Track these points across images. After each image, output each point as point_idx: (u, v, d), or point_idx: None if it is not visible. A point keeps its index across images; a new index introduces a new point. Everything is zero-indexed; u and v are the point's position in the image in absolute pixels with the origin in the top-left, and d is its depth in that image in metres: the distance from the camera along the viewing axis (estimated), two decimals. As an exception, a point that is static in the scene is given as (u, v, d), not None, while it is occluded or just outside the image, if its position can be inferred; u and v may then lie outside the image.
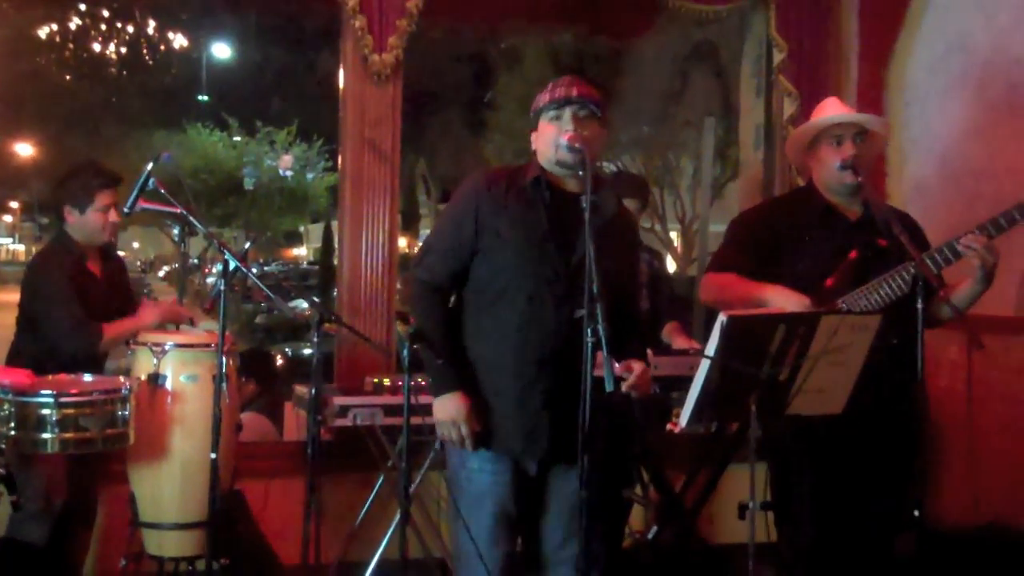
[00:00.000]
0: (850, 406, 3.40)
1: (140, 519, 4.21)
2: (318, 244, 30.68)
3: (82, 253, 4.44)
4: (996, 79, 5.42)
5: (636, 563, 4.90)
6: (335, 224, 8.17)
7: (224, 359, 3.90)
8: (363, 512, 5.10)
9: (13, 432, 3.72)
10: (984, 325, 3.76)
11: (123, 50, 19.22)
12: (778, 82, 5.89)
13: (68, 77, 20.11)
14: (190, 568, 4.31)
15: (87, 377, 4.08)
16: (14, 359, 4.33)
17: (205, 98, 27.66)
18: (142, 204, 4.00)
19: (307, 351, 12.08)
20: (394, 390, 4.76)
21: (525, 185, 3.33)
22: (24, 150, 27.30)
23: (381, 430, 4.79)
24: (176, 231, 4.58)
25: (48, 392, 3.75)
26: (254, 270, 4.08)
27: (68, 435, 3.76)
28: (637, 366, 3.18)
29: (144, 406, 4.02)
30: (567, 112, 3.30)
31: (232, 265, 3.87)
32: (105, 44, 18.88)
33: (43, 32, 17.93)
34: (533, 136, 3.43)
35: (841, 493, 3.79)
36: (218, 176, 27.04)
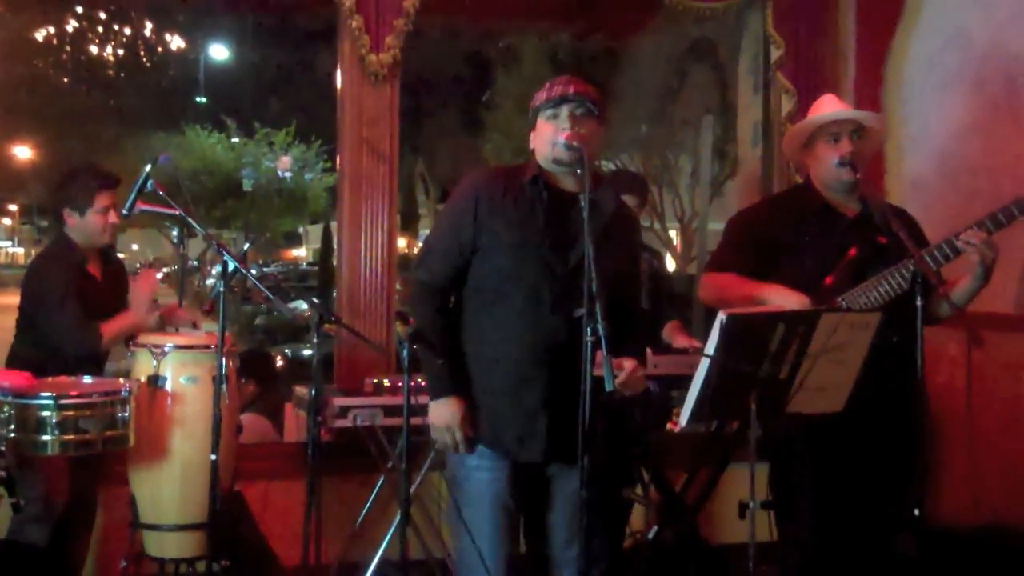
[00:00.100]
0: (850, 404, 3.40)
1: (140, 520, 4.22)
2: (317, 245, 30.68)
3: (82, 255, 4.44)
4: (994, 75, 5.41)
5: (637, 563, 4.89)
6: (334, 225, 8.16)
7: (224, 360, 3.91)
8: (363, 513, 5.09)
9: (13, 434, 3.73)
10: (983, 322, 3.76)
11: (120, 52, 19.21)
12: (776, 79, 5.89)
13: (65, 79, 20.10)
14: (190, 569, 4.31)
15: (87, 379, 4.08)
16: (14, 361, 4.34)
17: (203, 100, 27.65)
18: (141, 206, 4.01)
19: (307, 352, 12.08)
20: (394, 391, 4.75)
21: (523, 185, 3.33)
22: (22, 153, 27.29)
23: (381, 431, 4.79)
24: (175, 233, 4.58)
25: (48, 394, 3.75)
26: (253, 271, 4.08)
27: (68, 437, 3.77)
28: (628, 364, 3.17)
29: (144, 408, 4.02)
30: (564, 110, 3.30)
31: (231, 266, 3.87)
32: (102, 46, 18.86)
33: (40, 35, 17.90)
34: (531, 135, 3.43)
35: (841, 491, 3.79)
36: (217, 178, 27.03)
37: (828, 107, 3.97)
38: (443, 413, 3.32)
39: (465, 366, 3.38)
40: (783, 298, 3.65)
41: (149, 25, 19.07)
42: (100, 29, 18.61)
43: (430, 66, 20.27)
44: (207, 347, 4.16)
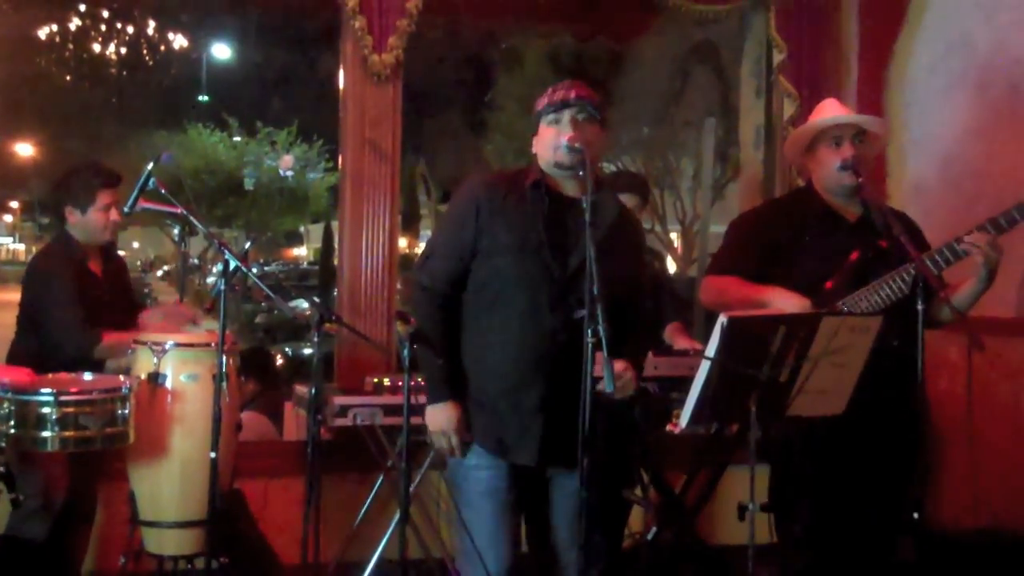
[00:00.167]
0: (850, 407, 3.41)
1: (139, 517, 4.21)
2: (318, 244, 30.68)
3: (84, 253, 4.45)
4: (996, 79, 5.42)
5: (636, 564, 4.89)
6: (335, 224, 8.16)
7: (224, 358, 3.91)
8: (362, 512, 5.09)
9: (13, 430, 3.72)
10: (984, 327, 3.76)
11: (123, 50, 19.22)
12: (778, 83, 5.89)
13: (68, 77, 20.12)
14: (189, 566, 4.31)
15: (87, 376, 4.08)
16: (14, 358, 4.34)
17: (205, 98, 27.68)
18: (143, 204, 4.01)
19: (307, 351, 12.09)
20: (394, 390, 4.76)
21: (524, 189, 3.33)
22: (24, 150, 27.32)
23: (381, 430, 4.79)
24: (176, 231, 4.58)
25: (48, 391, 3.75)
26: (254, 270, 4.08)
27: (68, 433, 3.76)
28: (618, 365, 3.16)
29: (144, 405, 4.02)
30: (566, 115, 3.30)
31: (232, 265, 3.87)
32: (105, 45, 18.88)
33: (43, 33, 17.92)
34: (534, 141, 3.43)
35: (841, 494, 3.79)
36: (218, 176, 27.05)
37: (830, 111, 3.98)
38: (440, 418, 3.33)
39: (463, 370, 3.39)
40: (784, 301, 3.65)
41: (152, 24, 19.08)
42: (103, 27, 18.63)
43: (432, 67, 20.27)
44: (207, 345, 4.16)
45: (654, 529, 4.86)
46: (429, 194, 30.55)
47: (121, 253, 5.06)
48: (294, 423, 5.81)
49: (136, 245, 46.02)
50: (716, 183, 18.69)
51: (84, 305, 4.28)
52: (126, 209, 4.03)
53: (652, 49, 18.17)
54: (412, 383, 3.36)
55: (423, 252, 3.57)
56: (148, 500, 4.19)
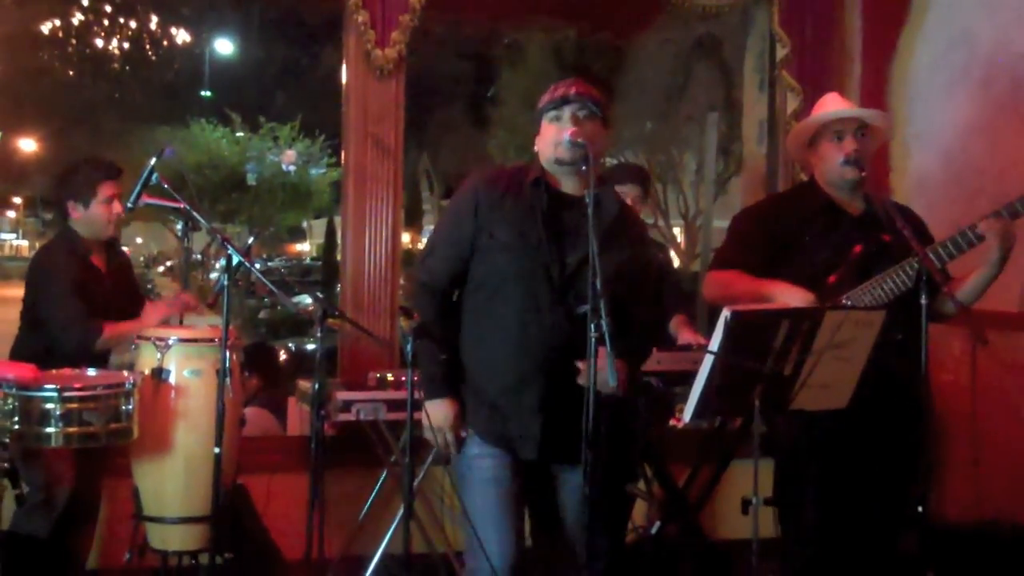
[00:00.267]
0: (854, 401, 3.40)
1: (143, 513, 4.22)
2: (321, 240, 30.68)
3: (87, 248, 4.46)
4: (999, 75, 5.41)
5: (639, 558, 4.90)
6: (338, 220, 8.17)
7: (228, 354, 3.92)
8: (366, 507, 5.10)
9: (17, 426, 3.73)
10: (988, 321, 3.76)
11: (126, 46, 19.18)
12: (781, 77, 5.89)
13: (71, 73, 20.08)
14: (193, 562, 4.32)
15: (91, 371, 4.09)
16: (18, 354, 4.35)
17: (208, 94, 27.61)
18: (145, 199, 4.02)
19: (310, 346, 12.09)
20: (397, 385, 4.76)
21: (524, 186, 3.33)
22: (27, 145, 27.29)
23: (384, 425, 4.80)
24: (179, 226, 4.59)
25: (52, 386, 3.75)
26: (257, 265, 4.08)
27: (72, 429, 3.77)
28: (604, 360, 3.16)
29: (148, 400, 4.03)
30: (567, 111, 3.30)
31: (235, 260, 3.88)
32: (108, 40, 18.84)
33: (46, 28, 17.89)
34: (536, 139, 3.43)
35: (845, 488, 3.79)
36: (221, 172, 26.98)
37: (832, 105, 3.97)
38: (436, 415, 3.33)
39: (463, 366, 3.40)
40: (788, 295, 3.65)
41: (155, 19, 19.06)
42: (106, 22, 18.60)
43: (435, 62, 20.25)
44: (211, 340, 4.16)
45: (658, 523, 4.87)
46: (432, 189, 30.56)
47: (124, 249, 5.07)
48: (297, 418, 5.82)
49: (139, 241, 45.94)
50: (719, 178, 18.68)
51: (87, 300, 4.28)
52: (129, 204, 4.04)
53: (655, 44, 18.16)
54: (415, 378, 3.36)
55: (424, 248, 3.58)
56: (152, 496, 4.20)
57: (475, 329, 3.38)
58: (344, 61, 5.53)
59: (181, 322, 4.60)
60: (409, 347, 3.30)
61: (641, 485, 4.86)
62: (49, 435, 3.76)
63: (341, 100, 5.58)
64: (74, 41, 18.66)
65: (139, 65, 19.98)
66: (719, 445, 4.94)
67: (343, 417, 4.68)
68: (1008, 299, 4.94)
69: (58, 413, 3.74)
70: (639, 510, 5.01)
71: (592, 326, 2.97)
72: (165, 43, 19.76)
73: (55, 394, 3.73)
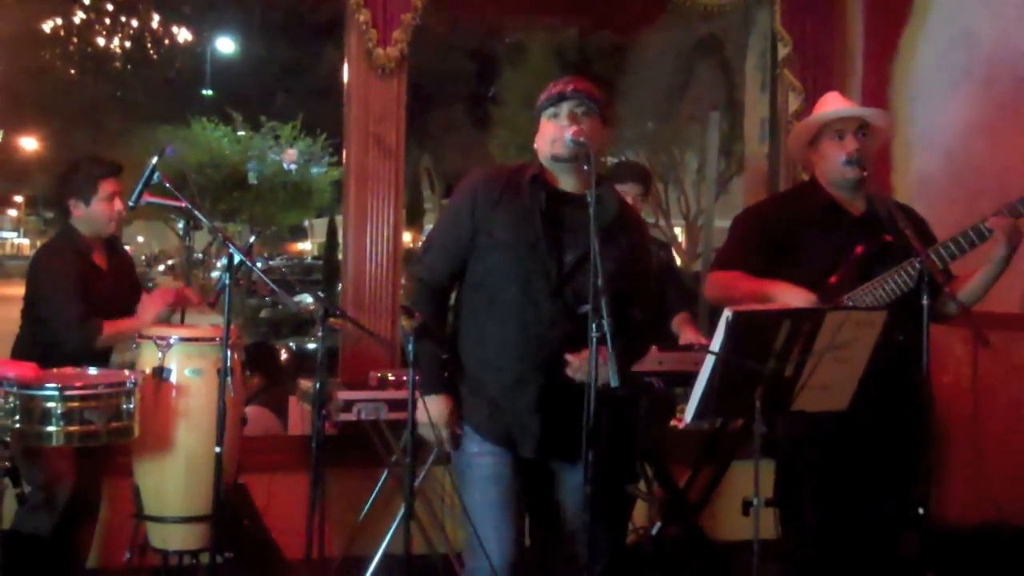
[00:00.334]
0: (855, 403, 3.40)
1: (144, 512, 4.22)
2: (322, 239, 30.69)
3: (88, 247, 4.45)
4: (1002, 74, 5.41)
5: (639, 559, 4.89)
6: (339, 219, 8.17)
7: (229, 353, 3.91)
8: (367, 507, 5.10)
9: (18, 425, 3.73)
10: (989, 322, 3.75)
11: (127, 44, 19.19)
12: (783, 77, 5.89)
13: (72, 71, 20.08)
14: (194, 561, 4.32)
15: (92, 370, 4.09)
16: (19, 352, 4.35)
17: (209, 93, 27.62)
18: (147, 198, 4.02)
19: (311, 345, 12.07)
20: (398, 385, 4.76)
21: (522, 184, 3.33)
22: (28, 144, 27.31)
23: (385, 424, 4.80)
24: (181, 225, 4.59)
25: (53, 385, 3.75)
26: (258, 264, 4.08)
27: (73, 428, 3.76)
28: (587, 353, 3.15)
29: (149, 399, 4.03)
30: (564, 108, 3.29)
31: (237, 259, 3.87)
32: (109, 38, 18.84)
33: (47, 26, 17.90)
34: (536, 137, 3.43)
35: (845, 490, 3.79)
36: (223, 170, 26.98)
37: (833, 104, 3.96)
38: (431, 409, 3.33)
39: (461, 364, 3.40)
40: (789, 295, 3.64)
41: (156, 17, 19.07)
42: (107, 21, 18.60)
43: (437, 61, 20.25)
44: (212, 340, 4.16)
45: (658, 524, 4.87)
46: (433, 188, 30.57)
47: (126, 247, 5.07)
48: (298, 418, 5.82)
49: (140, 239, 45.97)
50: (720, 177, 18.66)
51: (88, 299, 4.28)
52: (131, 203, 4.04)
53: (657, 43, 18.16)
54: (417, 378, 3.36)
55: (422, 245, 3.58)
56: (153, 495, 4.20)
57: (474, 327, 3.38)
58: (346, 60, 5.53)
59: (183, 320, 4.61)
60: (411, 346, 3.29)
61: (642, 486, 4.86)
62: (50, 434, 3.76)
63: (342, 99, 5.58)
64: (75, 40, 18.67)
65: (140, 64, 19.99)
66: (720, 446, 4.94)
67: (344, 417, 4.68)
68: (1009, 300, 4.94)
69: (59, 412, 3.73)
70: (640, 511, 5.01)
71: (593, 326, 2.96)
72: (166, 42, 19.76)
73: (56, 393, 3.73)
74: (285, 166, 26.81)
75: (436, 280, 3.42)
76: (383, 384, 4.83)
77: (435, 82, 21.88)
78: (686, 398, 3.34)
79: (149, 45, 19.47)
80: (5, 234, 56.61)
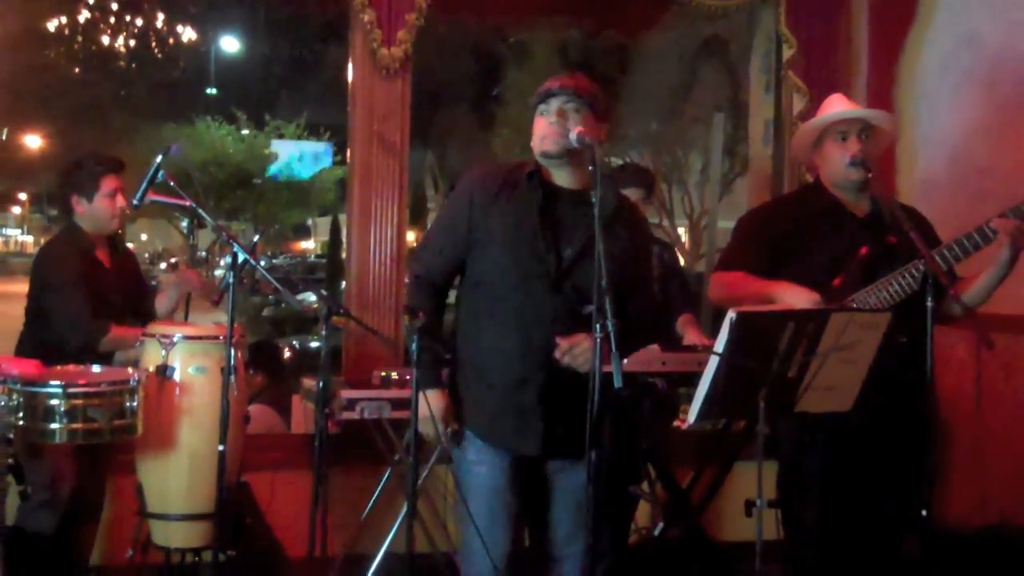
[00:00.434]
0: (858, 404, 3.40)
1: (147, 510, 4.22)
2: (326, 237, 30.70)
3: (91, 244, 4.46)
4: (1006, 76, 5.41)
5: (642, 559, 4.89)
6: (343, 217, 8.17)
7: (232, 351, 3.91)
8: (370, 505, 5.10)
9: (21, 422, 3.73)
10: (993, 324, 3.75)
11: (132, 43, 19.18)
12: (787, 78, 5.88)
13: (77, 70, 20.10)
14: (196, 559, 4.32)
15: (96, 368, 4.09)
16: (23, 350, 4.35)
17: (213, 91, 27.64)
18: (151, 196, 4.02)
19: (315, 344, 12.09)
20: (402, 384, 4.76)
21: (519, 181, 3.33)
22: (33, 142, 27.32)
23: (388, 423, 4.80)
24: (185, 224, 4.59)
25: (56, 382, 3.76)
26: (262, 263, 4.08)
27: (76, 425, 3.77)
28: (578, 337, 3.17)
29: (152, 397, 4.03)
30: (553, 104, 3.29)
31: (241, 258, 3.88)
32: (114, 37, 18.84)
33: (52, 25, 17.90)
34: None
35: (848, 491, 3.79)
36: (227, 169, 27.03)
37: (836, 106, 3.96)
38: (425, 405, 3.32)
39: (460, 363, 3.40)
40: (794, 296, 3.64)
41: (161, 16, 19.07)
42: (112, 20, 18.61)
43: (441, 61, 20.25)
44: (216, 338, 4.17)
45: (661, 525, 4.86)
46: (437, 188, 30.55)
47: (129, 245, 5.07)
48: (302, 416, 5.82)
49: (144, 237, 46.03)
50: (724, 178, 18.68)
51: (92, 296, 4.29)
52: (135, 201, 4.04)
53: (661, 44, 18.14)
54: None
55: (419, 242, 3.59)
56: (156, 493, 4.20)
57: (475, 325, 3.38)
58: (350, 59, 5.53)
59: (186, 318, 4.62)
60: (414, 345, 3.29)
61: (644, 486, 4.85)
62: (53, 431, 3.76)
63: (347, 99, 5.58)
64: (80, 38, 18.68)
65: (145, 62, 20.00)
66: (723, 447, 4.93)
67: (347, 415, 4.68)
68: (1014, 302, 4.93)
69: (63, 409, 3.74)
70: (642, 511, 5.01)
71: (598, 326, 2.96)
72: (171, 41, 19.77)
73: (60, 390, 3.73)
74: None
75: (432, 277, 3.43)
76: (386, 383, 4.83)
77: (439, 81, 21.88)
78: (689, 399, 3.35)
79: (154, 44, 19.48)
80: (9, 231, 56.69)
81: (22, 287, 4.77)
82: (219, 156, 26.88)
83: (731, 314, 3.12)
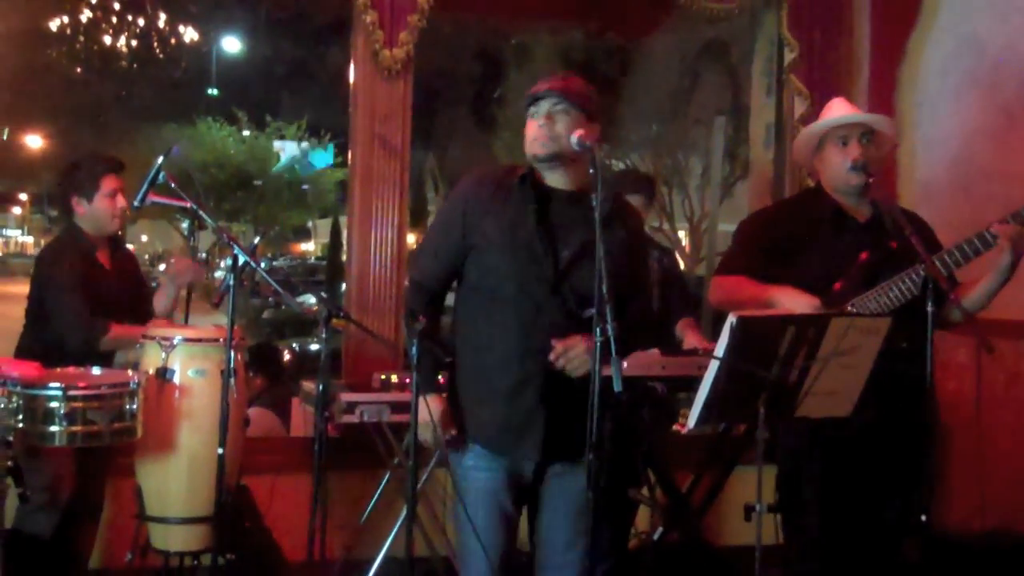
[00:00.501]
0: (859, 409, 3.39)
1: (146, 513, 4.22)
2: (326, 239, 30.72)
3: (91, 245, 4.45)
4: (1008, 80, 5.40)
5: (641, 564, 4.89)
6: (343, 219, 8.17)
7: (232, 354, 3.91)
8: (369, 509, 5.10)
9: (21, 424, 3.72)
10: (994, 329, 3.74)
11: (134, 43, 19.20)
12: (789, 81, 5.88)
13: (79, 70, 20.11)
14: (195, 563, 4.32)
15: (96, 370, 4.08)
16: (23, 352, 4.35)
17: (215, 92, 27.67)
18: (152, 197, 4.02)
19: (315, 347, 12.08)
20: (401, 387, 4.76)
21: (512, 184, 3.33)
22: (34, 142, 27.35)
23: (388, 427, 4.79)
24: (185, 225, 4.59)
25: (56, 385, 3.75)
26: (263, 265, 4.07)
27: (76, 428, 3.76)
28: (573, 340, 3.17)
29: (152, 400, 4.02)
30: (543, 106, 3.29)
31: (241, 260, 3.87)
32: (116, 37, 18.85)
33: (54, 24, 17.91)
34: None
35: (848, 496, 3.78)
36: (227, 170, 27.07)
37: (838, 110, 3.96)
38: (423, 410, 3.30)
39: (459, 368, 3.40)
40: (794, 301, 3.64)
41: (163, 16, 19.09)
42: (114, 20, 18.62)
43: (442, 62, 20.25)
44: (216, 340, 4.16)
45: (660, 529, 4.86)
46: (437, 190, 30.56)
47: (129, 246, 5.07)
48: (301, 419, 5.82)
49: (144, 239, 46.03)
50: (725, 181, 18.66)
51: (92, 297, 4.28)
52: (136, 202, 4.04)
53: (662, 46, 18.15)
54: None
55: (416, 249, 3.59)
56: (155, 496, 4.19)
57: (474, 329, 3.37)
58: (352, 61, 5.53)
59: (186, 320, 4.61)
60: (414, 348, 3.29)
61: (644, 490, 4.85)
62: (53, 434, 3.75)
63: (348, 100, 5.58)
64: (82, 38, 18.69)
65: (146, 63, 20.02)
66: (723, 451, 4.93)
67: (347, 418, 4.68)
68: (1014, 307, 4.93)
69: (62, 412, 3.73)
70: (642, 516, 5.00)
71: (598, 330, 2.95)
72: (173, 41, 19.78)
73: (59, 393, 3.72)
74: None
75: (428, 283, 3.43)
76: (386, 386, 4.83)
77: (440, 83, 21.89)
78: (689, 403, 3.34)
79: (155, 44, 19.49)
80: (9, 232, 56.70)
81: (22, 288, 4.77)
82: (220, 157, 26.93)
83: (731, 318, 3.12)
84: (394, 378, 4.84)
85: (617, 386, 2.88)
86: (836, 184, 3.89)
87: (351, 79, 5.55)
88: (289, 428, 6.14)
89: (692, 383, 3.44)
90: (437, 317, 3.45)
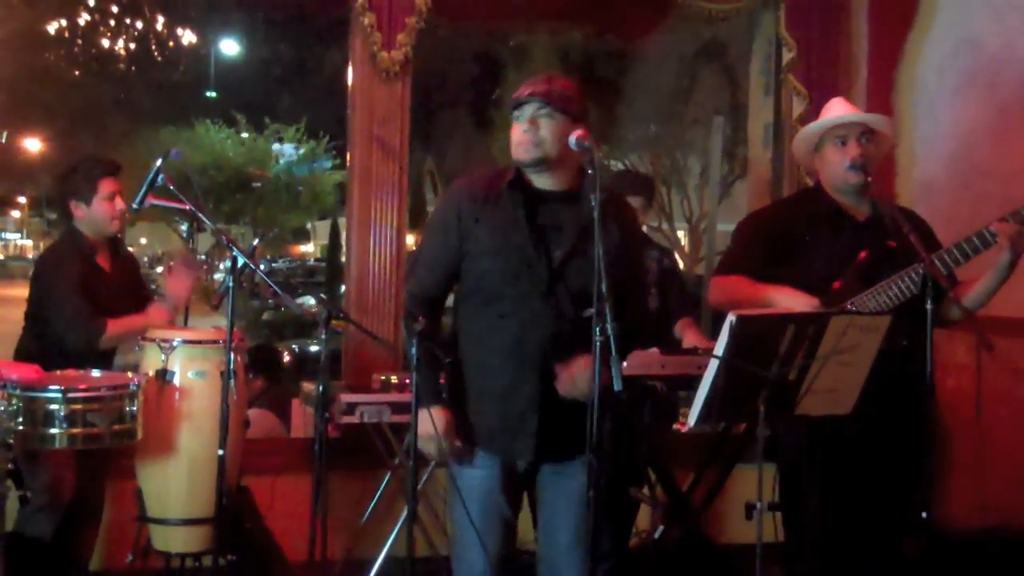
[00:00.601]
0: (859, 407, 3.40)
1: (147, 514, 4.22)
2: (325, 241, 30.71)
3: (91, 248, 4.46)
4: (1006, 79, 5.41)
5: (642, 562, 4.89)
6: (342, 221, 8.17)
7: (232, 355, 3.91)
8: (369, 509, 5.10)
9: (21, 427, 3.72)
10: (993, 327, 3.75)
11: (132, 46, 19.17)
12: (787, 81, 5.89)
13: (76, 73, 20.08)
14: (196, 564, 4.32)
15: (95, 372, 4.09)
16: (22, 354, 4.35)
17: (213, 94, 27.64)
18: (151, 200, 4.02)
19: (314, 348, 12.07)
20: (401, 387, 4.76)
21: (502, 188, 3.33)
22: (32, 145, 27.30)
23: (388, 427, 4.80)
24: (184, 227, 4.58)
25: (56, 387, 3.75)
26: (262, 267, 4.07)
27: (76, 430, 3.76)
28: (576, 365, 3.18)
29: (152, 402, 4.02)
30: (527, 111, 3.29)
31: (240, 262, 3.87)
32: (114, 40, 18.82)
33: (52, 27, 17.89)
34: None
35: (849, 494, 3.78)
36: (226, 172, 27.03)
37: (836, 110, 3.96)
38: (427, 422, 3.29)
39: (455, 375, 3.39)
40: (792, 300, 3.64)
41: (161, 19, 19.06)
42: (112, 23, 18.60)
43: (441, 64, 20.25)
44: (215, 342, 4.17)
45: (661, 528, 4.87)
46: (436, 191, 30.55)
47: (129, 249, 5.07)
48: (301, 420, 5.82)
49: (143, 241, 45.99)
50: (724, 181, 18.66)
51: (92, 299, 4.28)
52: (135, 205, 4.04)
53: (661, 47, 18.13)
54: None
55: (411, 260, 3.59)
56: (155, 497, 4.20)
57: (470, 333, 3.38)
58: (350, 63, 5.54)
59: (186, 322, 4.61)
60: (414, 349, 3.29)
61: (645, 489, 4.85)
62: (53, 436, 3.76)
63: (347, 102, 5.58)
64: (80, 41, 18.67)
65: (145, 65, 19.99)
66: (723, 449, 4.93)
67: (347, 419, 4.69)
68: (1014, 304, 4.93)
69: (62, 414, 3.73)
70: (643, 514, 5.00)
71: (597, 330, 2.96)
72: (171, 44, 19.76)
73: (59, 395, 3.72)
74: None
75: (425, 292, 3.42)
76: (386, 387, 4.83)
77: (439, 85, 21.89)
78: (689, 402, 3.34)
79: (153, 47, 19.47)
80: (8, 235, 56.68)
81: (21, 291, 4.77)
82: (219, 159, 26.88)
83: (731, 317, 3.13)
84: (394, 379, 4.84)
85: (617, 385, 2.89)
86: (835, 183, 3.90)
87: (349, 81, 5.55)
88: (289, 429, 6.14)
89: (692, 382, 3.44)
90: (437, 319, 3.45)
